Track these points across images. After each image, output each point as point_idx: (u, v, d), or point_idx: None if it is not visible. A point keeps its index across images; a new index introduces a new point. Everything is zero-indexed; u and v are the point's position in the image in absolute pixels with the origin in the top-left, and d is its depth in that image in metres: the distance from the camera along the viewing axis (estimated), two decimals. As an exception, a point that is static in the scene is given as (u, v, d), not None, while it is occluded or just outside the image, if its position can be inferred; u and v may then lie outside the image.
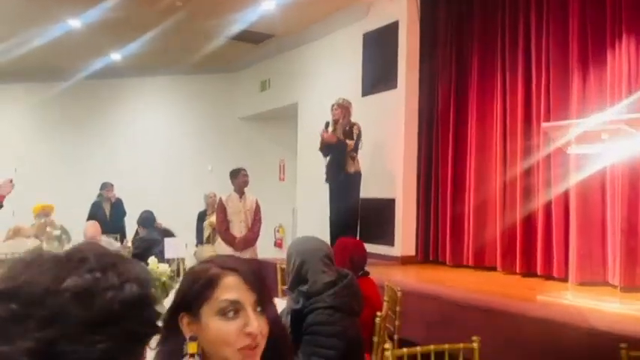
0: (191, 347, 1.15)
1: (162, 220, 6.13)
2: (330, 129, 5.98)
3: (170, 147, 9.60)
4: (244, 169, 5.93)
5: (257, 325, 1.15)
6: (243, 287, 1.18)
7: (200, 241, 6.93)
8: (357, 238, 5.70)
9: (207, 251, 6.01)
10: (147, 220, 6.02)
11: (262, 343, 1.18)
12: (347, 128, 5.98)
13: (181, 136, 9.66)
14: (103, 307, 0.62)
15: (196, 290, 1.18)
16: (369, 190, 6.25)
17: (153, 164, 9.49)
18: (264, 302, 1.19)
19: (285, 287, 2.31)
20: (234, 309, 1.16)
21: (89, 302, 0.62)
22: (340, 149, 5.84)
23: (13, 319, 0.60)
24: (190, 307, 1.18)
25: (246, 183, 5.89)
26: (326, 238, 4.89)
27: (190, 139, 9.63)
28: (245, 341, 1.15)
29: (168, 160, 9.51)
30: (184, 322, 1.19)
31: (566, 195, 5.03)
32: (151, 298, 0.68)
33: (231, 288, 1.17)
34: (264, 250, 6.59)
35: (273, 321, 1.22)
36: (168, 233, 5.52)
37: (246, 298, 1.17)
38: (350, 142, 5.90)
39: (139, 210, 6.21)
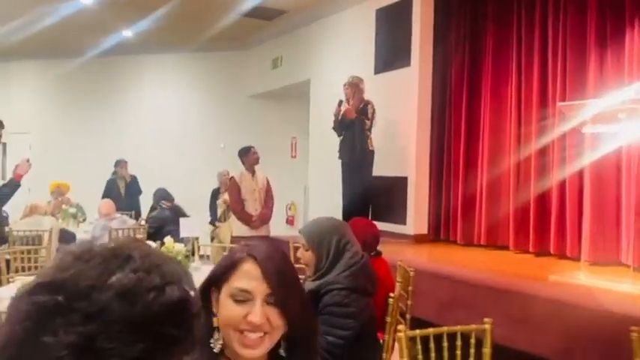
0: (216, 321, 1.21)
1: (177, 198, 6.13)
2: (344, 107, 5.92)
3: (182, 124, 9.52)
4: (253, 147, 5.91)
5: (260, 317, 1.16)
6: (259, 277, 1.19)
7: (214, 218, 6.90)
8: (370, 216, 5.76)
9: (225, 230, 6.29)
10: (161, 197, 6.08)
11: (273, 336, 1.19)
12: (361, 106, 5.91)
13: (193, 113, 9.56)
14: (144, 308, 0.62)
15: (221, 270, 1.23)
16: (381, 168, 6.12)
17: (165, 141, 9.42)
18: (279, 295, 1.18)
19: (317, 274, 2.29)
20: (243, 297, 1.18)
21: (132, 301, 0.62)
22: (359, 126, 5.75)
23: (58, 311, 0.61)
24: (218, 284, 1.22)
25: (257, 160, 5.86)
26: (338, 216, 4.78)
27: (202, 116, 9.52)
28: (245, 326, 1.17)
29: (180, 137, 9.44)
30: (213, 296, 1.23)
31: (580, 175, 4.96)
32: (192, 302, 0.68)
33: (246, 276, 1.19)
34: (276, 227, 6.58)
35: (295, 316, 1.19)
36: (180, 211, 5.71)
37: (259, 288, 1.18)
38: (367, 121, 5.84)
39: (152, 187, 6.17)
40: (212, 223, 6.81)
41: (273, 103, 9.27)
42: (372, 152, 5.96)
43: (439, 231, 6.30)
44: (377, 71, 6.66)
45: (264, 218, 5.83)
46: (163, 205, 5.98)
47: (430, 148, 6.37)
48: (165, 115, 9.60)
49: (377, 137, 6.07)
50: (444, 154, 6.32)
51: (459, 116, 6.14)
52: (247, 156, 5.88)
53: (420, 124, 6.32)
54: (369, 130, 5.92)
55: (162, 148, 9.31)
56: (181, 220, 4.63)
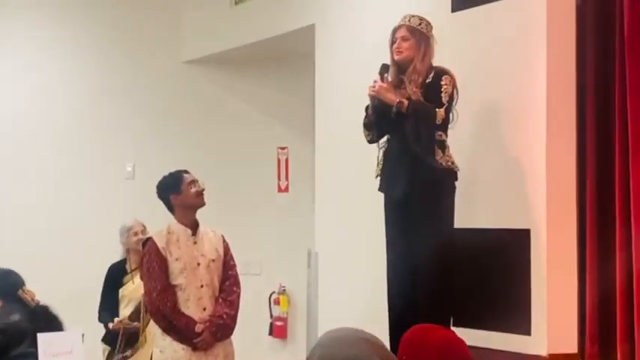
0: None
1: (33, 285, 4.05)
2: (389, 78, 4.01)
3: (49, 125, 6.53)
4: (188, 173, 4.09)
5: None
6: None
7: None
8: (451, 321, 3.94)
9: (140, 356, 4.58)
10: (4, 285, 4.04)
11: None
12: (428, 81, 4.07)
13: (72, 101, 6.50)
14: None
15: None
16: (470, 211, 4.20)
17: (9, 161, 6.39)
18: None
19: None
20: None
21: None
22: (422, 122, 4.01)
23: None
24: None
25: (198, 199, 4.05)
26: (382, 322, 3.74)
27: (92, 108, 6.62)
28: None
29: (44, 152, 6.46)
30: None
31: None
32: None
33: None
34: (250, 344, 4.89)
35: None
36: (48, 317, 4.01)
37: None
38: (439, 111, 4.01)
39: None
40: (108, 340, 4.85)
41: (237, 76, 6.56)
42: (452, 176, 4.05)
43: (609, 346, 4.15)
44: (456, 7, 4.47)
45: (223, 327, 4.05)
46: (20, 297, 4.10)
47: (578, 171, 4.22)
48: (15, 104, 6.40)
49: (459, 146, 4.20)
50: (612, 183, 4.13)
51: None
52: (179, 192, 4.04)
53: (551, 116, 4.16)
54: (445, 129, 4.06)
55: (4, 175, 6.39)
56: (41, 337, 3.47)
